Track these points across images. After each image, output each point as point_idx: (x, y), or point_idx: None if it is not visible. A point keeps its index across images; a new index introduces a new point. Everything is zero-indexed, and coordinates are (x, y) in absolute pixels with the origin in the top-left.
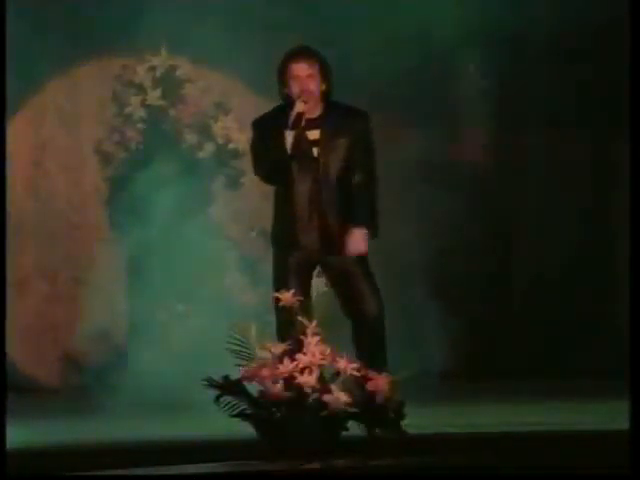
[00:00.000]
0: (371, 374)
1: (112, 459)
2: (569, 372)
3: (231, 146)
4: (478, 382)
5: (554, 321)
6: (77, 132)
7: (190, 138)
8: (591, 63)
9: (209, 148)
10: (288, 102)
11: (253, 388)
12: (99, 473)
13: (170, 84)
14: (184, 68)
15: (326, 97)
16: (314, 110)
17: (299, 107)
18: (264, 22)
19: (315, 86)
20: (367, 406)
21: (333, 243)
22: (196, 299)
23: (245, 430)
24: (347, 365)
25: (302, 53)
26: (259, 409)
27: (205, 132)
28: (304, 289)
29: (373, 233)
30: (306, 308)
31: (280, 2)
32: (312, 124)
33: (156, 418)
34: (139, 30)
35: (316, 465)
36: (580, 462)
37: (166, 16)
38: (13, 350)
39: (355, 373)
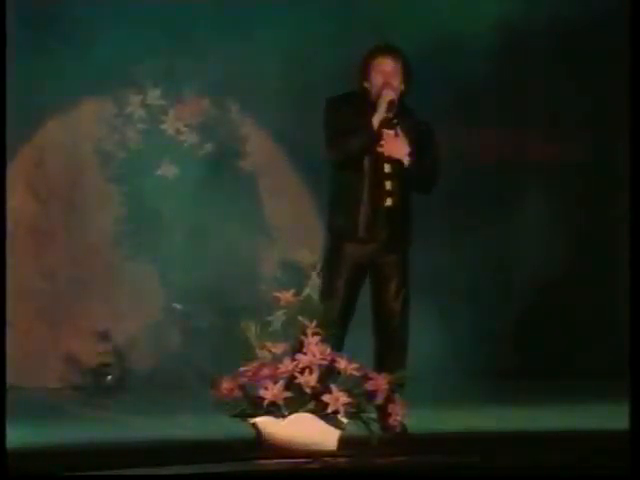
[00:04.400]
0: (371, 374)
1: (112, 459)
2: (569, 372)
3: (231, 146)
4: (478, 382)
5: (554, 322)
6: (77, 132)
7: (190, 138)
8: (591, 63)
9: (209, 148)
10: (365, 96)
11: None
12: (99, 473)
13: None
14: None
15: (401, 99)
16: None
17: (390, 94)
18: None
19: (397, 83)
20: (367, 406)
21: (392, 240)
22: (196, 298)
23: (245, 430)
24: (347, 365)
25: (389, 49)
26: (259, 409)
27: (205, 132)
28: (354, 285)
29: None
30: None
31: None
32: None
33: (156, 418)
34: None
35: (316, 465)
36: (580, 462)
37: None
38: (13, 350)
39: (355, 373)
